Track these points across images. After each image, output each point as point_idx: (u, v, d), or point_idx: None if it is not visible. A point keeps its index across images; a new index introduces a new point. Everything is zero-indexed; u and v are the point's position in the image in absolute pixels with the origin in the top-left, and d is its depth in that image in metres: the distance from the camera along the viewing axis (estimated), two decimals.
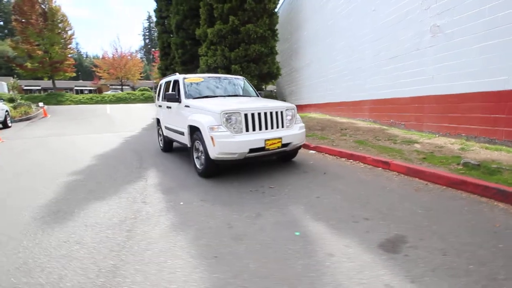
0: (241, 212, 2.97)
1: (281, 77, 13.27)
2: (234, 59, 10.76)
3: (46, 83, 38.74)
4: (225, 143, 3.77)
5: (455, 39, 5.58)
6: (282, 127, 4.31)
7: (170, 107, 5.58)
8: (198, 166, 4.39)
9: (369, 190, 3.51)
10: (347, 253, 2.11)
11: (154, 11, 19.70)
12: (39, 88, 43.41)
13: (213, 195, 3.53)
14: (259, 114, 4.06)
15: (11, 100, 18.11)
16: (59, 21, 27.38)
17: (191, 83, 5.36)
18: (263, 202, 3.21)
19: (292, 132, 4.36)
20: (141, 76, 43.35)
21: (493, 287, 1.72)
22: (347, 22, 9.35)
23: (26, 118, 15.61)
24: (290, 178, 4.12)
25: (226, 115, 3.89)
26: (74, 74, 32.03)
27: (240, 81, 6.02)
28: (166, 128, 5.99)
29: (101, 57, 42.68)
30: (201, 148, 4.19)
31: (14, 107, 16.23)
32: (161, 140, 6.78)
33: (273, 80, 12.97)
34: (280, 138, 4.10)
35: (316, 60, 11.82)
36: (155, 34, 74.00)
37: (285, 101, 9.26)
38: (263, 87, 14.48)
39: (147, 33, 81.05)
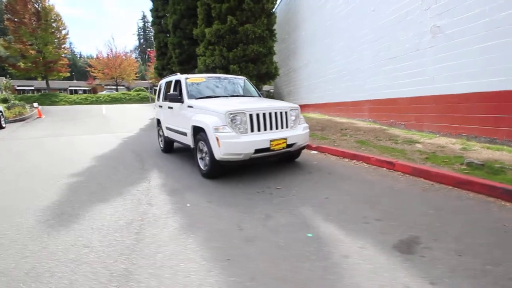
0: (250, 213, 2.93)
1: (279, 77, 13.28)
2: (232, 59, 10.73)
3: (39, 83, 38.25)
4: (231, 143, 3.73)
5: (455, 40, 5.62)
6: (287, 127, 4.29)
7: (171, 108, 5.52)
8: (202, 167, 4.34)
9: (376, 190, 3.50)
10: (362, 254, 2.09)
11: (150, 10, 19.55)
12: (32, 88, 42.80)
13: (218, 196, 3.49)
14: (264, 114, 4.03)
15: (4, 101, 17.81)
16: (52, 20, 27.05)
17: (193, 83, 5.31)
18: (272, 203, 3.18)
19: (297, 132, 4.34)
20: (136, 76, 43.00)
21: None
22: (346, 23, 9.38)
23: (21, 118, 15.36)
24: (295, 179, 4.10)
25: (231, 116, 3.85)
26: (68, 74, 31.67)
27: (241, 81, 5.98)
28: (167, 128, 5.93)
29: (95, 57, 42.27)
30: (205, 149, 4.15)
31: (8, 108, 15.96)
32: (161, 141, 6.71)
33: (271, 80, 12.98)
34: (285, 138, 4.08)
35: (314, 61, 11.84)
36: (150, 34, 73.82)
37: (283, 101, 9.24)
38: (261, 87, 14.49)
39: (141, 33, 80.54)
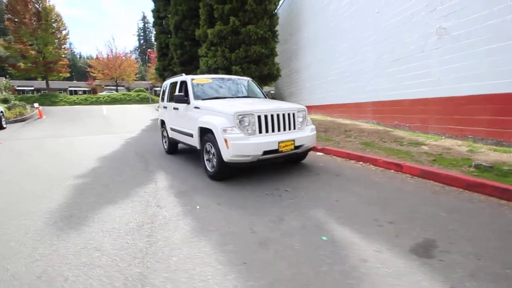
0: (261, 216, 2.91)
1: (281, 78, 13.25)
2: (235, 60, 10.71)
3: (39, 83, 38.17)
4: (239, 145, 3.70)
5: (461, 42, 5.61)
6: (294, 129, 4.27)
7: (177, 109, 5.49)
8: (209, 168, 4.32)
9: (385, 192, 3.48)
10: (380, 258, 2.07)
11: (152, 11, 19.51)
12: (32, 88, 42.71)
13: (227, 199, 3.46)
14: (272, 115, 4.00)
15: (5, 101, 17.73)
16: (53, 20, 27.05)
17: (198, 84, 5.29)
18: (282, 206, 3.16)
19: (304, 134, 4.32)
20: (136, 77, 42.96)
21: None
22: (349, 24, 9.37)
23: (21, 119, 15.29)
24: (304, 181, 4.08)
25: (240, 117, 3.83)
26: (68, 75, 31.65)
27: (245, 82, 5.97)
28: (172, 129, 5.89)
29: (95, 57, 42.20)
30: (212, 150, 4.12)
31: (9, 108, 15.90)
32: (165, 142, 6.68)
33: (272, 81, 12.97)
34: (293, 140, 4.06)
35: (316, 62, 11.83)
36: (150, 34, 73.80)
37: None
38: (261, 88, 14.50)
39: (142, 34, 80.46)
